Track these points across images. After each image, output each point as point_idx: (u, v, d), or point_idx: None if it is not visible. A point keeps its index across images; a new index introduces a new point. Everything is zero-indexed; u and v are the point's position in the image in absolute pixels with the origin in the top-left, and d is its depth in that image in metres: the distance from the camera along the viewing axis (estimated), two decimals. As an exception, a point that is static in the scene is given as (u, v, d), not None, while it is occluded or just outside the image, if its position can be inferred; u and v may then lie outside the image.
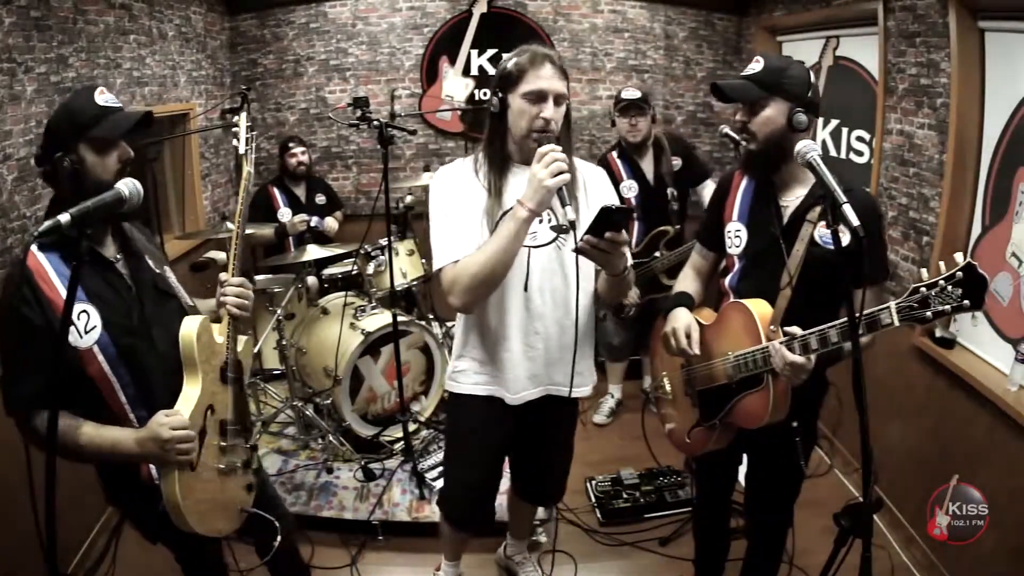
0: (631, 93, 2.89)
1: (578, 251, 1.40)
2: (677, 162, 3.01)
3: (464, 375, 1.75)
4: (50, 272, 1.29)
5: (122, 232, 1.47)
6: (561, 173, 1.39)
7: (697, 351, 1.63)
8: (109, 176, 1.34)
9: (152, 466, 1.40)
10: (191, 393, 1.42)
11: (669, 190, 2.97)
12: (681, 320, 1.66)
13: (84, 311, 1.31)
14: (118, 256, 1.44)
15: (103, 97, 1.36)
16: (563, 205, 1.41)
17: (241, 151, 1.82)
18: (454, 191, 1.60)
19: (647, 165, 3.01)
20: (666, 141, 3.02)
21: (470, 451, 1.85)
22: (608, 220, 1.33)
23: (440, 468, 2.66)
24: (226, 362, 1.51)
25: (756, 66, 1.53)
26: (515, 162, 1.61)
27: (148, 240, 1.57)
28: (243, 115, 1.92)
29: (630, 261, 1.56)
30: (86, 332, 1.31)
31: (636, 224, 3.02)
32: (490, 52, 4.12)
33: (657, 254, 3.00)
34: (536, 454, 1.93)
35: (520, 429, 1.80)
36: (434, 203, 1.61)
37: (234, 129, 1.88)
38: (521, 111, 1.51)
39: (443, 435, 2.07)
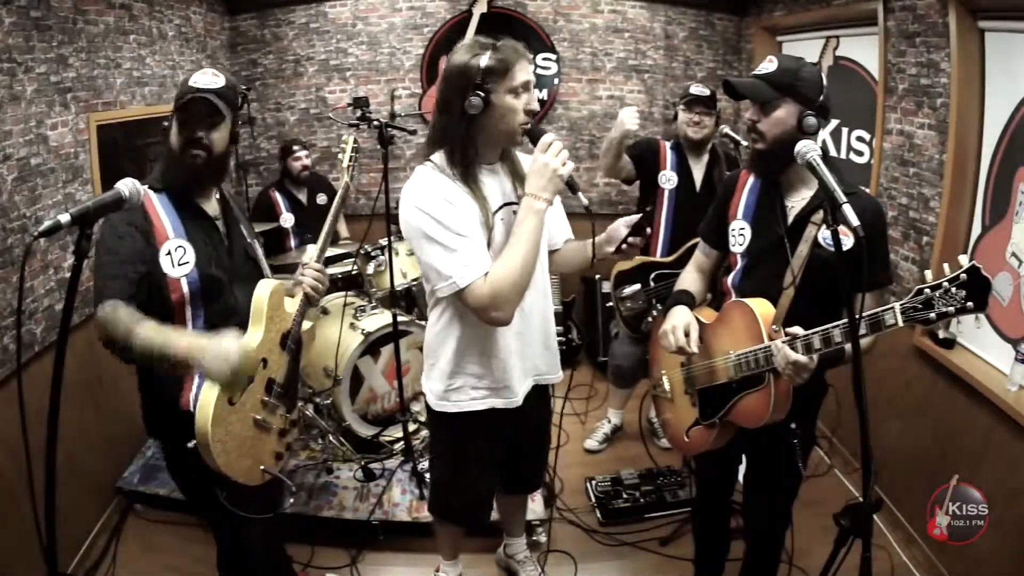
0: (700, 89, 2.73)
1: (617, 251, 1.58)
2: None
3: (460, 392, 1.70)
4: (158, 207, 1.48)
5: (224, 198, 1.64)
6: (568, 160, 1.45)
7: (696, 349, 1.62)
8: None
9: (191, 395, 1.49)
10: (252, 337, 1.52)
11: None
12: (680, 317, 1.66)
13: (181, 246, 1.48)
14: (219, 216, 1.61)
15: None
16: (573, 192, 1.47)
17: (344, 165, 2.12)
18: (447, 204, 1.48)
19: (698, 169, 2.80)
20: (723, 155, 2.81)
21: (477, 465, 1.85)
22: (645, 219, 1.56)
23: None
24: (289, 332, 1.65)
25: (769, 66, 1.51)
26: (483, 163, 1.57)
27: (242, 213, 1.73)
28: (351, 136, 2.18)
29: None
30: (179, 264, 1.47)
31: (663, 227, 2.82)
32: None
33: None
34: (523, 446, 1.94)
35: (516, 427, 1.80)
36: (429, 220, 1.46)
37: (342, 145, 2.16)
38: (511, 107, 1.47)
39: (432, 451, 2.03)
